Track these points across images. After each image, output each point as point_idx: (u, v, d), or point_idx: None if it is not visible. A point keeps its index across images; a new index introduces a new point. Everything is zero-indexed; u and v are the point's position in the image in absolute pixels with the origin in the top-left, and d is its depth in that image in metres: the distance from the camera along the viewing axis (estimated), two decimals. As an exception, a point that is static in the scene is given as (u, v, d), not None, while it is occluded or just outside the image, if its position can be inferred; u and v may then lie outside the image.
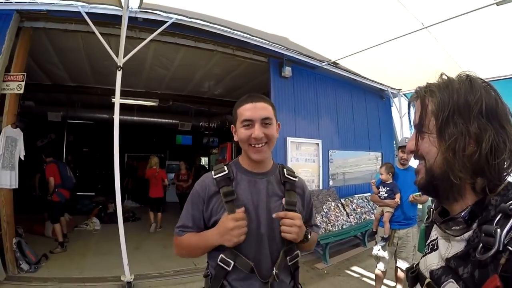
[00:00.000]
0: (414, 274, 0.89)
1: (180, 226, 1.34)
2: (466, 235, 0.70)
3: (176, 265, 4.63)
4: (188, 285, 4.03)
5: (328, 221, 5.57)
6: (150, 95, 8.39)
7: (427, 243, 0.91)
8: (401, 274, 3.65)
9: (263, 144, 1.26)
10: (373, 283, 3.91)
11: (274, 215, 1.21)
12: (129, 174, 10.82)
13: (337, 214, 5.85)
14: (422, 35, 4.30)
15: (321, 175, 6.35)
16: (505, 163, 0.69)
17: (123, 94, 6.35)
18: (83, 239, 5.92)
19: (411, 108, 0.84)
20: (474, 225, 0.69)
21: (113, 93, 4.17)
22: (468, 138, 0.68)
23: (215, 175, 1.30)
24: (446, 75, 0.78)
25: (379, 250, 3.59)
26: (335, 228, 5.58)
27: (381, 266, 3.57)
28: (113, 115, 4.06)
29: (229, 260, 1.18)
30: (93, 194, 10.25)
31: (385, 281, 3.82)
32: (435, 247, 0.82)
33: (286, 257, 1.25)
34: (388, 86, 7.62)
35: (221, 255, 1.20)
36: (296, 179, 1.40)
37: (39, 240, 5.58)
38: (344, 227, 5.73)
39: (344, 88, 7.09)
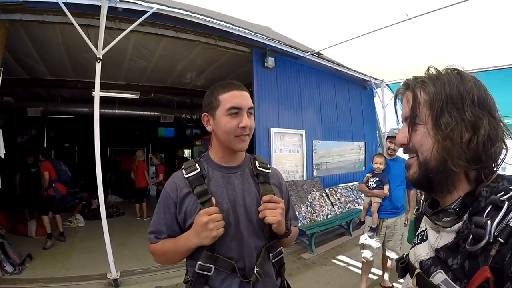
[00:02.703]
0: (404, 264, 0.89)
1: (153, 231, 1.24)
2: (456, 226, 0.70)
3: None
4: (175, 280, 4.01)
5: (313, 211, 5.63)
6: (131, 88, 8.21)
7: (416, 234, 0.91)
8: (389, 263, 3.74)
9: (247, 134, 1.19)
10: (359, 271, 3.96)
11: (261, 205, 1.15)
12: (112, 168, 10.63)
13: (321, 204, 5.93)
14: (406, 26, 4.32)
15: (305, 165, 6.39)
16: (501, 150, 0.71)
17: (104, 87, 6.22)
18: (67, 237, 5.78)
19: (398, 101, 0.83)
20: (465, 217, 0.69)
21: (93, 86, 4.03)
22: (463, 126, 0.69)
23: (186, 174, 1.19)
24: (434, 68, 0.78)
25: (366, 239, 3.63)
26: (320, 218, 5.65)
27: (367, 254, 3.60)
28: (94, 108, 3.94)
29: (208, 265, 1.12)
30: (76, 190, 10.04)
31: (371, 269, 3.88)
32: (425, 238, 0.83)
33: (269, 254, 1.21)
34: (371, 77, 7.70)
35: (198, 263, 1.13)
36: (269, 171, 1.32)
37: (22, 240, 5.47)
38: (329, 216, 5.82)
39: (327, 79, 7.11)
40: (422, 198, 0.91)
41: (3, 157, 4.11)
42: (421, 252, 0.82)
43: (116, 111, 9.67)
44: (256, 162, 1.31)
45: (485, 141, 0.68)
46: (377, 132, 8.67)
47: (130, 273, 4.21)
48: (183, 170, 1.22)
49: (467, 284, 0.60)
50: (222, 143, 1.22)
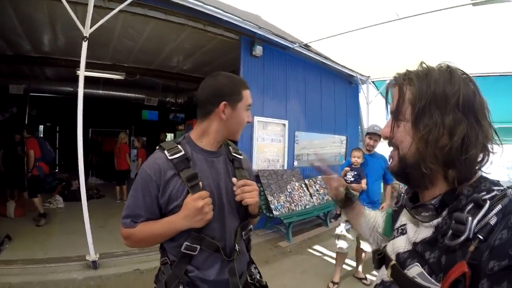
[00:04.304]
0: (380, 256, 0.90)
1: (128, 215, 1.21)
2: (435, 221, 0.71)
3: (141, 243, 4.62)
4: (153, 263, 4.05)
5: (291, 201, 5.76)
6: (117, 68, 8.03)
7: (396, 227, 0.92)
8: (363, 255, 3.89)
9: None
10: (334, 261, 4.05)
11: (235, 184, 1.25)
12: (94, 149, 10.46)
13: (300, 194, 6.06)
14: (396, 26, 4.39)
15: (286, 155, 6.50)
16: (477, 157, 0.70)
17: (89, 67, 6.06)
18: (47, 218, 5.69)
19: (389, 93, 0.83)
20: (444, 213, 0.70)
21: (78, 65, 3.94)
22: (442, 130, 0.69)
23: (170, 155, 1.19)
24: (426, 64, 0.78)
25: (342, 231, 3.72)
26: (298, 207, 5.79)
27: (342, 244, 3.68)
28: (78, 88, 3.86)
29: (194, 246, 1.17)
30: (56, 171, 9.85)
31: (346, 261, 4.01)
32: (404, 232, 0.84)
33: (242, 232, 1.31)
34: (358, 73, 7.82)
35: (185, 243, 1.17)
36: (242, 157, 1.42)
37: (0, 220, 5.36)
38: (307, 207, 5.96)
39: (314, 71, 7.17)
40: (403, 192, 0.92)
41: None
42: (399, 245, 0.83)
43: (100, 91, 9.44)
44: (230, 148, 1.40)
45: (458, 148, 0.68)
46: (359, 127, 8.84)
47: (109, 256, 4.21)
48: (166, 152, 1.20)
49: (443, 277, 0.61)
50: (225, 132, 1.28)
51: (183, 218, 1.13)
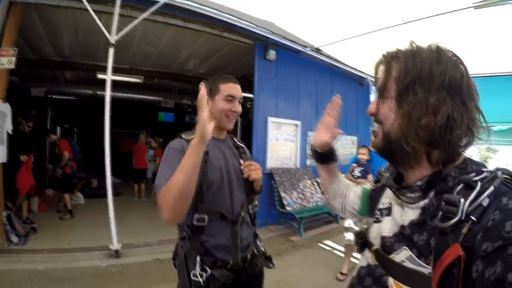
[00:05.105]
0: (362, 240, 0.91)
1: (163, 180, 1.25)
2: (422, 203, 0.71)
3: (160, 235, 4.89)
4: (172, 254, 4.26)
5: (303, 197, 5.98)
6: (134, 72, 8.32)
7: (379, 208, 0.91)
8: None
9: (234, 117, 1.54)
10: (343, 255, 4.20)
11: (242, 165, 1.54)
12: (111, 150, 10.76)
13: (312, 191, 6.26)
14: (402, 30, 4.53)
15: (298, 154, 6.72)
16: (462, 138, 0.69)
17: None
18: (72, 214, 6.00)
19: (378, 71, 0.82)
20: (431, 194, 0.70)
21: (99, 69, 4.25)
22: (425, 108, 0.68)
23: (187, 138, 1.43)
24: (415, 43, 0.77)
25: (349, 223, 3.89)
26: (310, 204, 6.00)
27: (350, 236, 3.84)
28: (98, 91, 4.15)
29: (203, 215, 1.38)
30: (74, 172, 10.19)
31: (354, 254, 4.09)
32: (389, 213, 0.83)
33: (249, 205, 1.56)
34: (368, 75, 7.91)
35: (195, 215, 1.37)
36: (244, 145, 1.71)
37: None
38: (319, 204, 6.15)
39: (325, 73, 7.37)
40: (383, 170, 0.92)
41: (10, 133, 4.30)
42: (385, 228, 0.81)
43: (119, 94, 9.71)
44: (235, 139, 1.71)
45: (442, 127, 0.66)
46: (370, 128, 8.93)
47: (130, 246, 4.46)
48: (183, 135, 1.47)
49: (436, 261, 0.58)
50: (214, 120, 1.45)
51: (196, 136, 1.17)
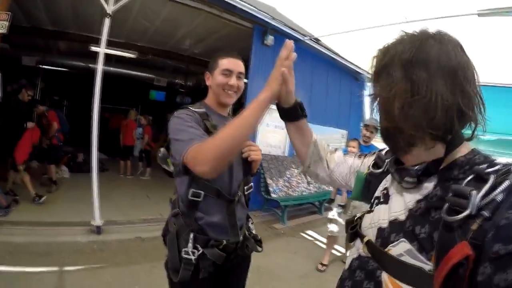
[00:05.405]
0: (353, 230, 0.86)
1: (192, 138, 1.20)
2: (426, 191, 0.67)
3: (143, 213, 4.89)
4: (154, 233, 4.20)
5: (289, 186, 6.02)
6: (129, 47, 8.13)
7: (376, 196, 0.86)
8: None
9: (234, 92, 1.50)
10: (325, 246, 4.24)
11: (246, 147, 1.50)
12: (100, 125, 10.59)
13: (298, 181, 6.31)
14: (403, 29, 4.51)
15: (287, 142, 6.70)
16: (448, 120, 0.63)
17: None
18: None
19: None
20: (433, 182, 0.67)
21: (93, 41, 4.11)
22: (402, 88, 0.65)
23: (195, 109, 1.42)
24: (405, 31, 0.75)
25: (334, 215, 3.94)
26: (295, 193, 6.04)
27: (333, 227, 3.90)
28: (91, 64, 4.03)
29: (198, 191, 1.36)
30: (61, 143, 10.02)
31: (336, 246, 4.25)
32: (386, 201, 0.78)
33: (245, 186, 1.56)
34: (365, 70, 7.91)
35: (191, 189, 1.35)
36: None
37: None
38: (304, 193, 6.21)
39: (321, 64, 7.32)
40: (383, 155, 0.90)
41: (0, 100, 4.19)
42: (381, 217, 0.76)
43: (111, 68, 9.52)
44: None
45: (421, 108, 0.63)
46: (361, 123, 8.98)
47: (113, 223, 4.41)
48: (190, 107, 1.45)
49: (440, 259, 0.54)
50: (215, 95, 1.52)
51: (270, 81, 1.14)
